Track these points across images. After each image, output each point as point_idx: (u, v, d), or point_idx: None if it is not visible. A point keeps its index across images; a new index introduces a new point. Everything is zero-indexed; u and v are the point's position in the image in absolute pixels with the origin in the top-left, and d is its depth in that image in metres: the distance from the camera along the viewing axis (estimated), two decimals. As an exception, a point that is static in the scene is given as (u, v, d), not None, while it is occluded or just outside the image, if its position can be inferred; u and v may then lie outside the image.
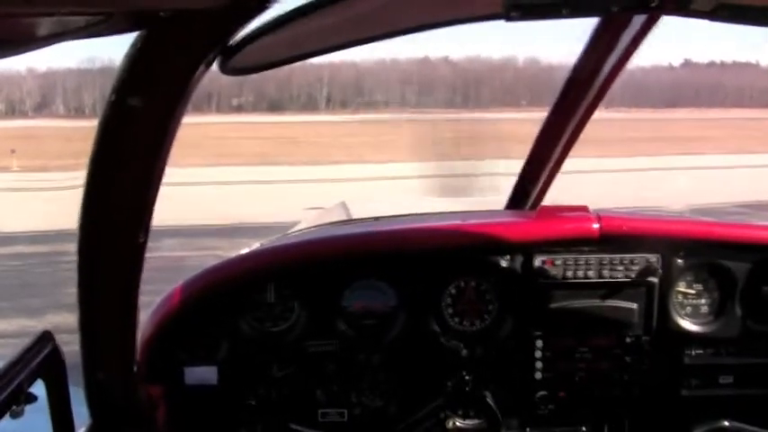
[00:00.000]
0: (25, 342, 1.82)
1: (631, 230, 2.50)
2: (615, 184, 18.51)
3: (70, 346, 1.95)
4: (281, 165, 27.18)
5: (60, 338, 1.91)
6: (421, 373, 2.57)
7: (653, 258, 2.50)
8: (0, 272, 11.84)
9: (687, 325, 2.59)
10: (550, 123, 2.85)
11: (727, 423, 2.62)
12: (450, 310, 2.58)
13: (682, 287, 2.60)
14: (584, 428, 2.63)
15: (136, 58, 1.53)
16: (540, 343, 2.56)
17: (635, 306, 2.53)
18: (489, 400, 2.55)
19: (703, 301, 2.61)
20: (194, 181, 19.54)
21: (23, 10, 1.13)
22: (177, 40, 1.52)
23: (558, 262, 2.50)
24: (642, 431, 2.65)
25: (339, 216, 3.60)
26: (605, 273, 2.50)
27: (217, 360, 2.51)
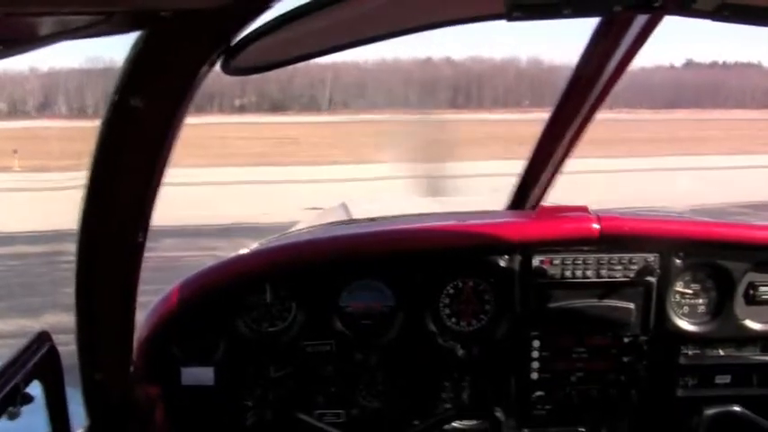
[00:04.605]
0: (22, 342, 1.81)
1: (631, 230, 2.49)
2: (615, 185, 18.50)
3: (68, 347, 1.94)
4: (282, 165, 27.21)
5: (58, 339, 1.90)
6: (418, 374, 2.56)
7: (651, 258, 2.50)
8: (-2, 271, 11.83)
9: (684, 325, 2.58)
10: (552, 123, 2.84)
11: (737, 408, 2.59)
12: (448, 311, 2.57)
13: (679, 287, 2.59)
14: (581, 429, 2.62)
15: (137, 59, 1.53)
16: (536, 343, 2.55)
17: (632, 306, 2.52)
18: (486, 401, 2.54)
19: (701, 300, 2.61)
20: (195, 181, 19.54)
21: (25, 9, 1.12)
22: (178, 40, 1.51)
23: (557, 262, 2.49)
24: (639, 431, 2.64)
25: (338, 217, 3.59)
26: (603, 272, 2.50)
27: (213, 360, 2.50)
